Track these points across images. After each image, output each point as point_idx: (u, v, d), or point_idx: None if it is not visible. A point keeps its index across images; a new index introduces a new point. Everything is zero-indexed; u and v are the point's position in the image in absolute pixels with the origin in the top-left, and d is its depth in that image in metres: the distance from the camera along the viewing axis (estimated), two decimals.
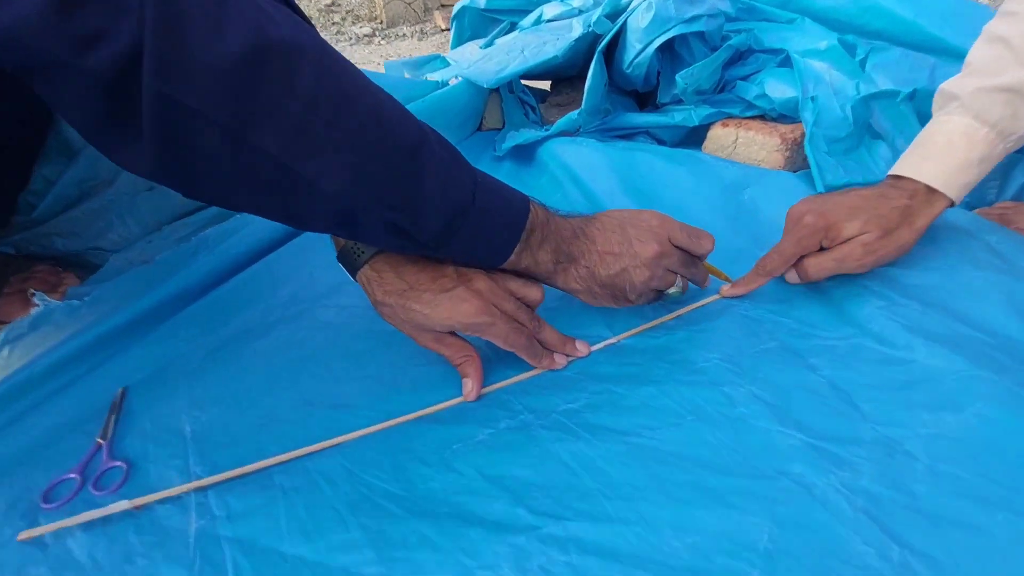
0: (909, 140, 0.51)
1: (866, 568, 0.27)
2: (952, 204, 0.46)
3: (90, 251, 0.59)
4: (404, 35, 2.14)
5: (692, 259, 0.46)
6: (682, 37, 0.79)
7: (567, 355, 0.44)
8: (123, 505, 0.34)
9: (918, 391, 0.36)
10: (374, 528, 0.32)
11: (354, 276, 0.42)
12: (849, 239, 0.44)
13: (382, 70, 1.66)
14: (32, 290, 0.52)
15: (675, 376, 0.41)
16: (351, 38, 2.13)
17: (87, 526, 0.34)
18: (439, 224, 0.35)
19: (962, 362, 0.37)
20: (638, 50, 0.79)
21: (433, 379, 0.44)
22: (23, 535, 0.33)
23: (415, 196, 0.34)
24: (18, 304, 0.53)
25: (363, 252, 0.41)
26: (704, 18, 0.77)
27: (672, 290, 0.46)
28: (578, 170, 0.76)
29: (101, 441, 0.40)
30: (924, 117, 0.66)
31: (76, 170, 0.57)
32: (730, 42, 0.81)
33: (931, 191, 0.45)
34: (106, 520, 0.34)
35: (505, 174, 0.83)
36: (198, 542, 0.32)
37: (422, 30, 2.17)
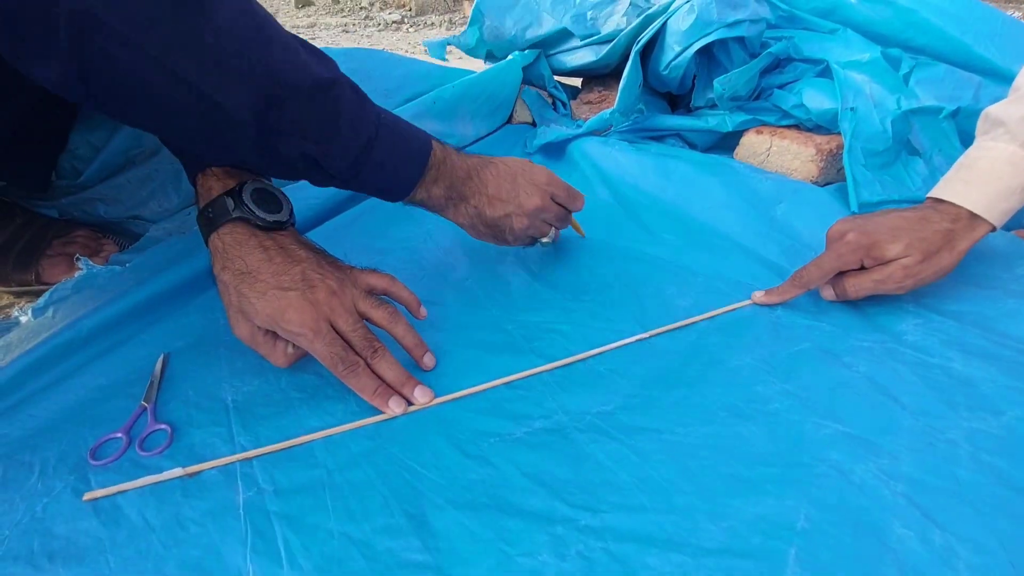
0: (948, 158, 0.51)
1: (908, 552, 0.28)
2: (994, 229, 0.46)
3: (130, 220, 0.60)
4: (432, 23, 2.13)
5: (566, 214, 0.52)
6: (721, 42, 0.79)
7: (404, 397, 0.40)
8: (177, 472, 0.35)
9: (957, 393, 0.37)
10: (417, 516, 0.33)
11: (206, 241, 0.41)
12: (891, 260, 0.44)
13: (407, 55, 1.67)
14: (77, 255, 0.53)
15: (707, 376, 0.42)
16: (380, 24, 2.13)
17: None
18: (349, 158, 0.38)
19: (998, 374, 0.38)
20: (676, 52, 0.79)
21: (468, 363, 0.44)
22: (88, 496, 0.34)
23: (329, 129, 0.36)
24: (61, 267, 0.54)
25: (218, 217, 0.39)
26: (746, 23, 0.77)
27: (545, 239, 0.52)
28: (609, 171, 0.76)
29: (145, 404, 0.41)
30: (965, 136, 0.66)
31: (122, 139, 0.58)
32: (770, 49, 0.80)
33: (973, 216, 0.45)
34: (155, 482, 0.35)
35: None
36: (247, 514, 0.33)
37: (451, 19, 2.17)
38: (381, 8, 2.44)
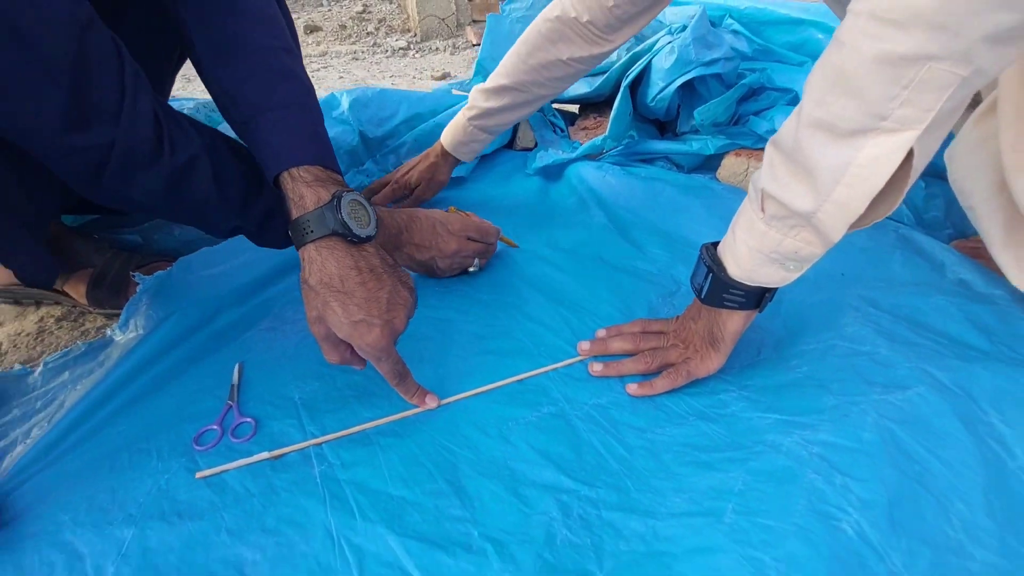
0: None
1: (814, 489, 0.38)
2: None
3: (199, 241, 0.70)
4: (437, 49, 2.25)
5: (485, 247, 0.67)
6: (700, 76, 0.89)
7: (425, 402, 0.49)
8: (264, 455, 0.45)
9: (877, 375, 0.46)
10: (455, 482, 0.43)
11: (299, 248, 0.45)
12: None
13: (417, 82, 1.77)
14: (133, 273, 0.63)
15: (680, 389, 0.51)
16: (387, 51, 2.25)
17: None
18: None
19: (914, 358, 0.47)
20: (661, 87, 0.89)
21: (487, 366, 0.54)
22: (199, 474, 0.44)
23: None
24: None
25: (313, 231, 0.44)
26: (721, 61, 0.87)
27: (472, 268, 0.67)
28: (603, 194, 0.86)
29: (231, 403, 0.51)
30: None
31: None
32: (744, 81, 0.90)
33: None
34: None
35: (536, 191, 0.93)
36: (324, 483, 0.43)
37: (454, 44, 2.28)
38: (387, 34, 2.57)
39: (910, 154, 0.35)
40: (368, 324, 0.44)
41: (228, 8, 0.46)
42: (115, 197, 0.45)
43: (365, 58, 2.18)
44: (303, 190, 0.45)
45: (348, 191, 0.46)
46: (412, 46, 2.25)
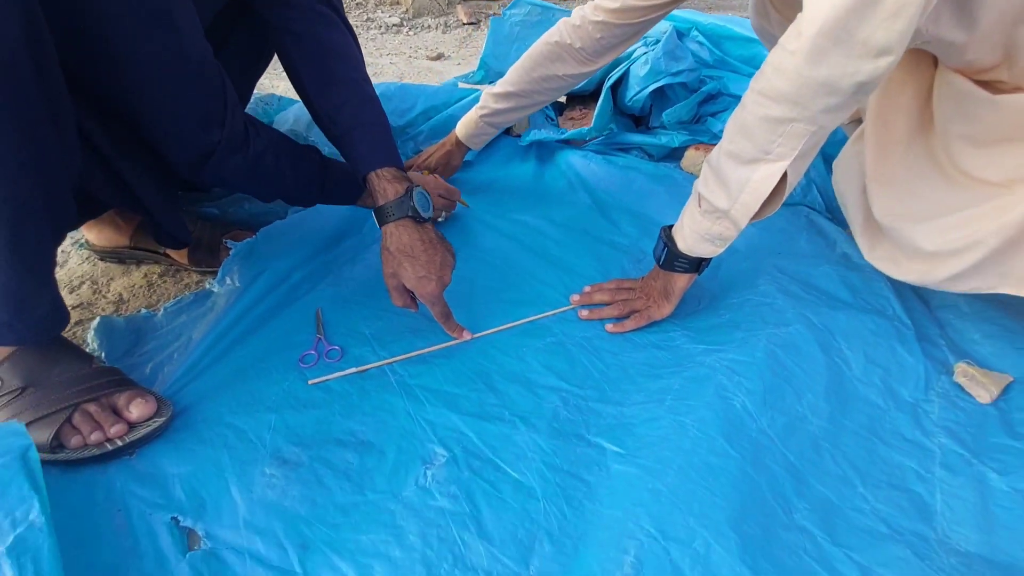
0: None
1: (720, 385, 0.60)
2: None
3: (267, 213, 0.87)
4: (429, 26, 2.36)
5: (451, 203, 0.90)
6: (669, 83, 1.08)
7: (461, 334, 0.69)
8: (354, 369, 0.65)
9: (771, 317, 0.68)
10: (490, 384, 0.64)
11: (381, 225, 0.64)
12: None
13: (413, 61, 1.90)
14: (225, 239, 0.80)
15: (642, 328, 0.72)
16: (381, 27, 2.34)
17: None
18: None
19: (799, 305, 0.70)
20: (637, 90, 1.08)
21: (505, 312, 0.74)
22: (311, 381, 0.63)
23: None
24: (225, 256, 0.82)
25: (394, 213, 0.63)
26: (685, 72, 1.06)
27: (439, 219, 0.91)
28: (587, 179, 1.06)
29: (319, 336, 0.70)
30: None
31: None
32: (704, 88, 1.10)
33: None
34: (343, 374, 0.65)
35: (531, 175, 1.12)
36: (399, 386, 0.63)
37: (446, 23, 2.39)
38: (376, 6, 2.64)
39: (785, 175, 0.56)
40: (428, 279, 0.63)
41: (326, 51, 0.63)
42: (212, 178, 0.62)
43: (360, 34, 2.28)
44: (385, 185, 0.64)
45: (416, 186, 0.65)
46: (405, 23, 2.35)
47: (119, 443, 0.53)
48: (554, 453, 0.56)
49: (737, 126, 0.57)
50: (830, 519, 0.50)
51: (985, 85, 0.59)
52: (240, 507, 0.51)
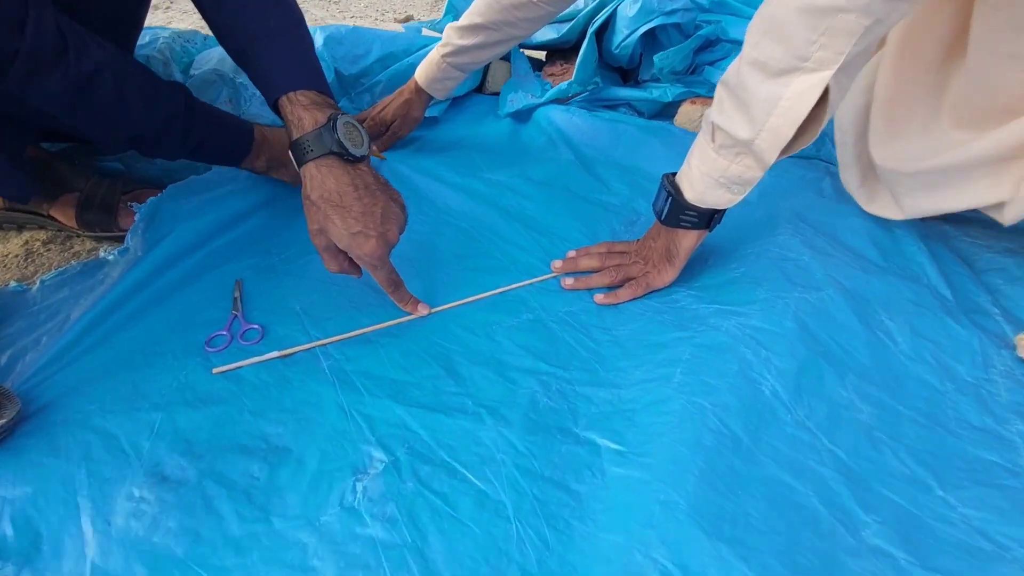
0: None
1: (743, 358, 0.47)
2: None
3: (184, 170, 0.71)
4: None
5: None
6: (662, 26, 0.94)
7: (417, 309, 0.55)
8: (275, 354, 0.50)
9: (798, 277, 0.55)
10: (449, 368, 0.50)
11: (299, 166, 0.49)
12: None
13: (380, 23, 1.74)
14: (129, 202, 0.65)
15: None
16: None
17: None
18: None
19: (828, 266, 0.57)
20: (625, 35, 0.95)
21: (470, 280, 0.60)
22: (216, 370, 0.49)
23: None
24: (132, 216, 0.66)
25: (312, 150, 0.47)
26: (680, 11, 0.93)
27: None
28: (570, 134, 0.92)
29: (235, 312, 0.55)
30: None
31: None
32: (700, 32, 0.97)
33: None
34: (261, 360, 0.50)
35: (507, 132, 0.98)
36: (332, 373, 0.49)
37: None
38: None
39: (827, 91, 0.43)
40: (365, 235, 0.49)
41: None
42: (25, 97, 0.47)
43: None
44: (301, 113, 0.48)
45: (342, 114, 0.49)
46: None
47: None
48: (531, 454, 0.43)
49: (764, 25, 0.43)
50: (911, 535, 0.37)
51: None
52: (89, 546, 0.36)
